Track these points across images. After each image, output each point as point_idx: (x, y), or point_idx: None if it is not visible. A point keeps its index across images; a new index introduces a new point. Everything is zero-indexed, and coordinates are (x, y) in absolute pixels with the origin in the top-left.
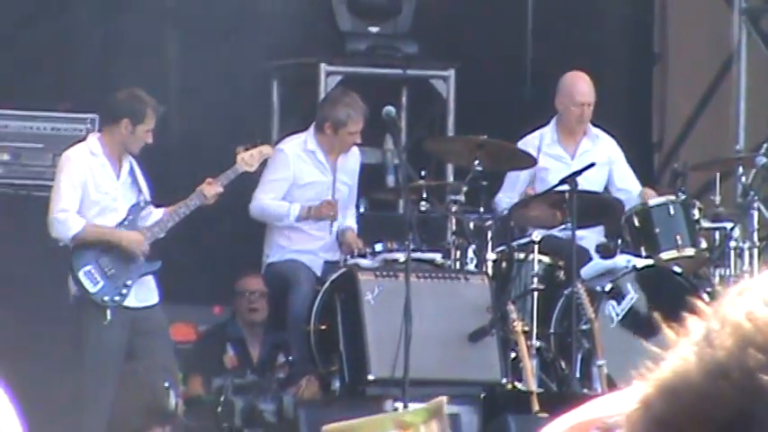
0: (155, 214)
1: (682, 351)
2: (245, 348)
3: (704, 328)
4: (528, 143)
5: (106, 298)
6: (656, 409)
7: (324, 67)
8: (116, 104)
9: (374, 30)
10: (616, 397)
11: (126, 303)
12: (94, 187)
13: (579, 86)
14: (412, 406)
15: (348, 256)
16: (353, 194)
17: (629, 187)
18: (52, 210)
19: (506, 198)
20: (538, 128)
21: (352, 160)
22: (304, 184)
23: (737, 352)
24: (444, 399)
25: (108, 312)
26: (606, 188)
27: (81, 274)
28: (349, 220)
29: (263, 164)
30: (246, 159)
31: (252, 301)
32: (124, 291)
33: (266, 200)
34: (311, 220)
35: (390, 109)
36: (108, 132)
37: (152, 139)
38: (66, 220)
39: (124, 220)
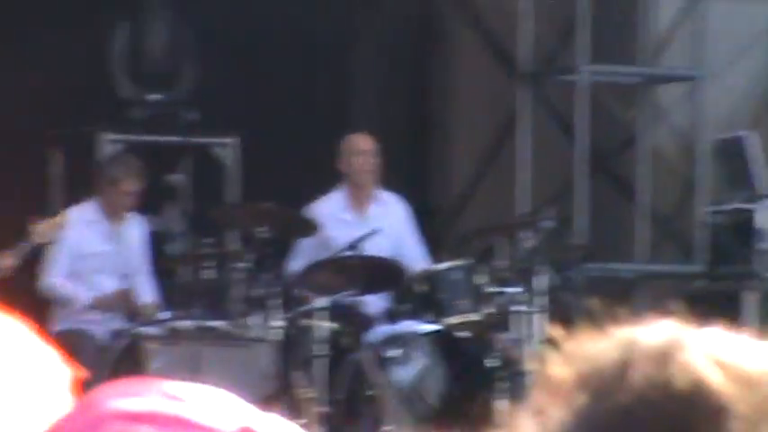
0: None
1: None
2: None
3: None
4: (319, 208)
5: None
6: None
7: (103, 135)
8: None
9: (154, 97)
10: None
11: None
12: None
13: (358, 140)
14: None
15: (133, 325)
16: (140, 262)
17: (413, 255)
18: None
19: (295, 266)
20: (328, 192)
21: (136, 228)
22: (86, 254)
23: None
24: None
25: None
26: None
27: None
28: (144, 291)
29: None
30: (40, 232)
31: None
32: None
33: (56, 283)
34: (101, 309)
35: (178, 176)
36: None
37: None
38: None
39: None
